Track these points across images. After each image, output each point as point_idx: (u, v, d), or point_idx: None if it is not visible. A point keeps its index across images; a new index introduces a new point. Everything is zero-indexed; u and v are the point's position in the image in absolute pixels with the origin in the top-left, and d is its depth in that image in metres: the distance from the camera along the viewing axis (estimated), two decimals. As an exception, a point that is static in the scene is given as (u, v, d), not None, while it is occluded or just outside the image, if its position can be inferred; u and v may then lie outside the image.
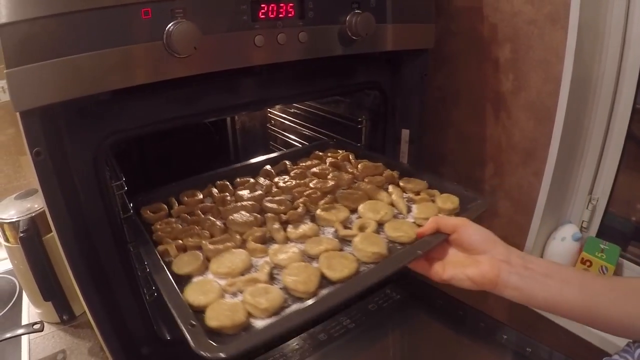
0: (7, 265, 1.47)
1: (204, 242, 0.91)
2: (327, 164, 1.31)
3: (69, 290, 1.21)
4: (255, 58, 0.87)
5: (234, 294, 0.77)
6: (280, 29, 0.87)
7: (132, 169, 1.18)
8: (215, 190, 1.19)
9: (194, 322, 0.67)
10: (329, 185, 1.14)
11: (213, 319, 0.69)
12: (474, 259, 0.80)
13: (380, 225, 0.97)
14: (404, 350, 1.24)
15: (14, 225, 1.16)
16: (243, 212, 1.01)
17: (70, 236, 0.81)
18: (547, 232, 1.29)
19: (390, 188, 1.12)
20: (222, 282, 0.80)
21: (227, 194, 1.16)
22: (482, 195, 1.15)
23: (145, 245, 0.91)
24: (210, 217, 1.03)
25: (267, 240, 0.95)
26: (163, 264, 0.83)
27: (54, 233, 0.80)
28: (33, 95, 0.66)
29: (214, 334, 0.67)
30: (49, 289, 1.15)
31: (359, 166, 1.25)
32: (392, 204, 1.07)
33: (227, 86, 0.98)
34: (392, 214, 1.01)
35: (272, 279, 0.82)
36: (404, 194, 1.11)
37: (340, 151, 1.40)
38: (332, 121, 1.55)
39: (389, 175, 1.18)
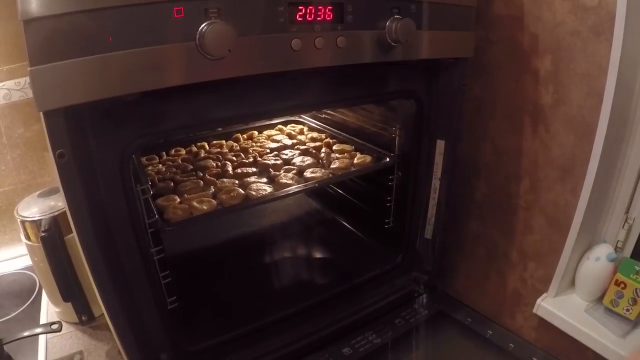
0: (27, 261, 1.47)
1: (176, 176, 1.33)
2: (285, 134, 1.70)
3: (89, 291, 1.20)
4: (291, 62, 0.84)
5: (188, 204, 1.14)
6: (318, 32, 0.84)
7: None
8: (194, 148, 1.60)
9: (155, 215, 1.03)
10: (276, 145, 1.54)
11: (166, 214, 1.10)
12: None
13: (304, 171, 1.33)
14: (429, 367, 1.23)
15: (35, 223, 1.15)
16: (208, 160, 1.43)
17: (91, 240, 0.79)
18: (581, 251, 1.24)
19: (324, 149, 1.49)
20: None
21: (202, 150, 1.56)
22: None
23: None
24: (185, 163, 1.44)
25: (221, 177, 1.31)
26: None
27: (75, 234, 0.78)
28: (58, 94, 0.64)
29: (166, 222, 1.07)
30: (69, 290, 1.14)
31: (308, 136, 1.64)
32: (320, 160, 1.43)
33: (260, 91, 0.95)
34: (314, 165, 1.37)
35: (215, 198, 1.18)
36: (333, 154, 1.46)
37: (298, 125, 1.77)
38: (365, 129, 1.53)
39: (326, 142, 1.55)
